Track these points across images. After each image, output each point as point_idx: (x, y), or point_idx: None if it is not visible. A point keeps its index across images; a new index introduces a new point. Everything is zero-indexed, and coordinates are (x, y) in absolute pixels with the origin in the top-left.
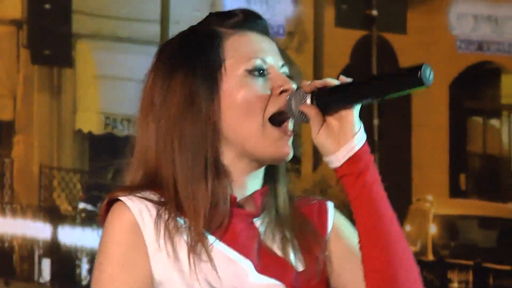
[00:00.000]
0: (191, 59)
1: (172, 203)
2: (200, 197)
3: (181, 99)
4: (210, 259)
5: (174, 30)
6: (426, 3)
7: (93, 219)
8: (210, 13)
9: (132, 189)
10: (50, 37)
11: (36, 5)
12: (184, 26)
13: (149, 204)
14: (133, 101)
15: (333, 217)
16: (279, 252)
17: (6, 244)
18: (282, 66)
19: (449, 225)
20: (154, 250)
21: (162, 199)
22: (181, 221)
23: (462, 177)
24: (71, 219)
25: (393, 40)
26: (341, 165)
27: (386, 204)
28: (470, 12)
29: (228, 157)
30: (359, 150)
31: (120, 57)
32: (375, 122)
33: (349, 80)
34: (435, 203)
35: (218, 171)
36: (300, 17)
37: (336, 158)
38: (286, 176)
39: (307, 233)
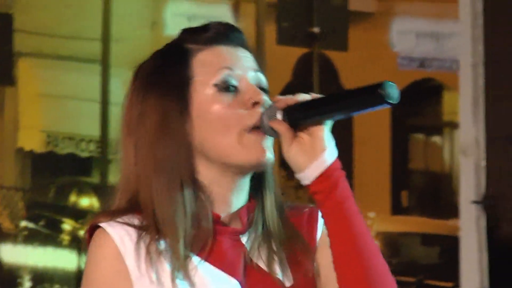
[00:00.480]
0: (162, 79)
1: (152, 227)
2: (178, 219)
3: (155, 121)
4: (193, 284)
5: (116, 48)
6: (367, 20)
7: (35, 237)
8: (183, 30)
9: (113, 214)
10: None
11: None
12: (125, 44)
13: (130, 229)
14: (74, 119)
15: (322, 226)
16: (266, 269)
17: None
18: (256, 76)
19: (391, 242)
20: (137, 276)
21: (144, 223)
22: (163, 244)
23: (404, 194)
24: (13, 237)
25: (334, 57)
26: (312, 182)
27: (359, 220)
28: (411, 29)
29: (208, 175)
30: (329, 167)
31: (62, 75)
32: None
33: (319, 96)
34: (376, 220)
35: (197, 191)
36: None
37: (307, 175)
38: (276, 187)
39: (296, 245)
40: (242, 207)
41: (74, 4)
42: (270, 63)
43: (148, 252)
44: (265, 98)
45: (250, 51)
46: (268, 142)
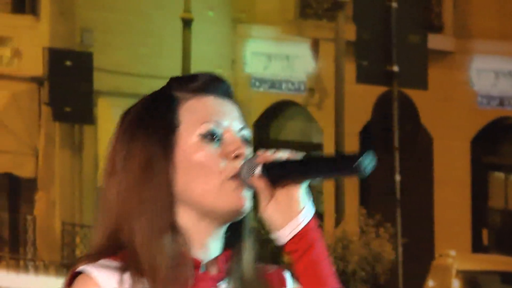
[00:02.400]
0: (148, 124)
1: (134, 268)
2: (158, 262)
3: (139, 164)
4: None
5: None
6: (446, 58)
7: None
8: (171, 78)
9: (95, 257)
10: (71, 94)
11: (57, 62)
12: None
13: (112, 272)
14: None
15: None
16: None
17: None
18: (241, 129)
19: (472, 280)
20: None
21: (125, 264)
22: (145, 285)
23: (484, 232)
24: None
25: (414, 96)
26: (287, 242)
27: (333, 281)
28: (490, 67)
29: (188, 220)
30: (304, 227)
31: None
32: (397, 178)
33: (299, 156)
34: (457, 258)
35: (178, 235)
36: (320, 74)
37: (282, 235)
38: (252, 240)
39: None
40: (220, 254)
41: (152, 43)
42: (349, 102)
43: None
44: (248, 152)
45: (236, 103)
46: (247, 192)
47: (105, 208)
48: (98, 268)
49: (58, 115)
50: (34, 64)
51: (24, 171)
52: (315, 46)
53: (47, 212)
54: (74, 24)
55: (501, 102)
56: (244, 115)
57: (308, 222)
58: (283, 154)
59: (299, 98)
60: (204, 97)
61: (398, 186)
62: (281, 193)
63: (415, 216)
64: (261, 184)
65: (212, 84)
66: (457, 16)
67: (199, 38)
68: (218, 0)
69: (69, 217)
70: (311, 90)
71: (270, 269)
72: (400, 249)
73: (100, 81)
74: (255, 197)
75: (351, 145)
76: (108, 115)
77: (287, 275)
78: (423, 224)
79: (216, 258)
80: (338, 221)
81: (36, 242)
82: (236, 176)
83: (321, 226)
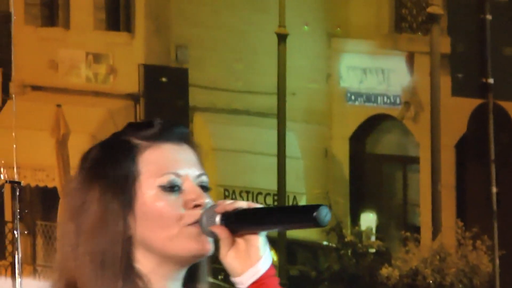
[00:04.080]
0: (106, 172)
1: None
2: None
3: (95, 214)
4: None
5: (291, 101)
6: None
7: None
8: (129, 123)
9: None
10: (167, 111)
11: (153, 78)
12: (300, 97)
13: None
14: (250, 173)
15: None
16: None
17: None
18: (199, 176)
19: None
20: None
21: None
22: None
23: None
24: None
25: (509, 108)
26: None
27: None
28: None
29: (148, 265)
30: (263, 275)
31: (235, 129)
32: (493, 190)
33: (257, 206)
34: None
35: (135, 279)
36: (416, 87)
37: (241, 281)
38: (208, 279)
39: None
40: None
41: (247, 59)
42: (444, 115)
43: None
44: (207, 201)
45: (193, 147)
46: (208, 238)
47: (61, 253)
48: None
49: None
50: (130, 81)
51: None
52: (410, 59)
53: None
54: (168, 40)
55: None
56: (201, 158)
57: (267, 270)
58: (242, 204)
59: (394, 111)
60: (162, 145)
61: (494, 198)
62: (241, 241)
63: None
64: (222, 233)
65: (167, 131)
66: None
67: (294, 53)
68: (313, 15)
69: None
70: (406, 104)
71: None
72: (497, 261)
73: (195, 97)
74: (216, 242)
75: (448, 158)
76: (204, 131)
77: None
78: None
79: None
80: (435, 234)
81: None
82: (196, 223)
83: (418, 239)
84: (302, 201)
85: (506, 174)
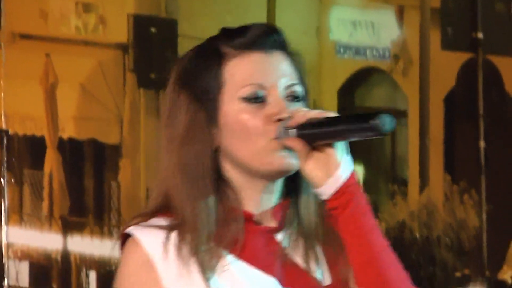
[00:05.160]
0: (194, 81)
1: (181, 228)
2: (202, 221)
3: (183, 123)
4: (226, 282)
5: None
6: None
7: None
8: (222, 29)
9: (145, 217)
10: (156, 61)
11: (142, 29)
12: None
13: (159, 231)
14: None
15: None
16: (303, 266)
17: (114, 268)
18: (289, 86)
19: None
20: (170, 281)
21: (173, 223)
22: (192, 245)
23: None
24: None
25: (499, 63)
26: (329, 198)
27: (376, 234)
28: None
29: (238, 178)
30: (344, 183)
31: None
32: (482, 144)
33: (329, 114)
34: None
35: (227, 191)
36: (405, 41)
37: (324, 191)
38: (310, 187)
39: (334, 245)
40: (275, 206)
41: (237, 11)
42: (433, 69)
43: (178, 253)
44: (294, 109)
45: (289, 53)
46: (290, 152)
47: (157, 167)
48: (144, 230)
49: (143, 82)
50: (119, 31)
51: (109, 137)
52: (400, 13)
53: (132, 179)
54: None
55: None
56: (301, 66)
57: (348, 178)
58: (314, 114)
59: (384, 65)
60: (251, 55)
61: (482, 153)
62: (318, 152)
63: (501, 185)
64: (297, 146)
65: (261, 38)
66: None
67: (284, 5)
68: None
69: (153, 183)
70: (396, 57)
71: None
72: (484, 216)
73: (184, 48)
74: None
75: (436, 112)
76: None
77: None
78: (508, 191)
79: (271, 209)
80: (422, 188)
81: (120, 208)
82: (277, 137)
83: (405, 193)
84: None
85: (495, 129)
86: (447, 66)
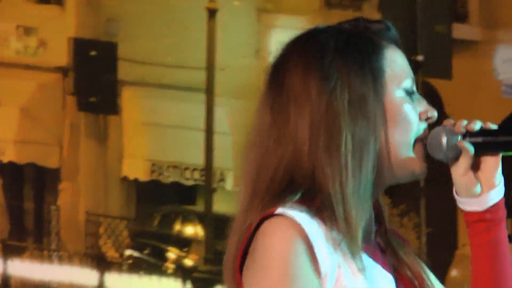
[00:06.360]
0: (357, 61)
1: (329, 217)
2: (366, 209)
3: (351, 100)
4: (366, 274)
5: (220, 76)
6: (471, 48)
7: (140, 266)
8: (362, 19)
9: (286, 202)
10: (96, 84)
11: (82, 52)
12: (230, 73)
13: (309, 216)
14: (178, 148)
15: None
16: (405, 270)
17: None
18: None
19: None
20: (328, 268)
21: (317, 212)
22: (336, 234)
23: (509, 222)
24: (118, 266)
25: (438, 85)
26: (484, 211)
27: (509, 261)
28: None
29: (381, 169)
30: (499, 201)
31: (165, 104)
32: None
33: (494, 126)
34: None
35: (378, 182)
36: None
37: (479, 203)
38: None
39: (409, 251)
40: (377, 208)
41: (177, 33)
42: None
43: (334, 242)
44: (436, 115)
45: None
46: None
47: (281, 142)
48: (294, 211)
49: (83, 105)
50: (60, 54)
51: (49, 161)
52: None
53: (72, 203)
54: (99, 14)
55: None
56: None
57: (503, 197)
58: (480, 124)
59: None
60: (395, 49)
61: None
62: (482, 162)
63: (439, 206)
64: (467, 151)
65: (397, 35)
66: (483, 6)
67: (224, 28)
68: None
69: (93, 207)
70: None
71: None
72: (424, 239)
73: (124, 71)
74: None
75: None
76: (133, 105)
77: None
78: (447, 214)
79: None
80: None
81: (60, 232)
82: (423, 139)
83: None
84: (230, 177)
85: None
86: None
